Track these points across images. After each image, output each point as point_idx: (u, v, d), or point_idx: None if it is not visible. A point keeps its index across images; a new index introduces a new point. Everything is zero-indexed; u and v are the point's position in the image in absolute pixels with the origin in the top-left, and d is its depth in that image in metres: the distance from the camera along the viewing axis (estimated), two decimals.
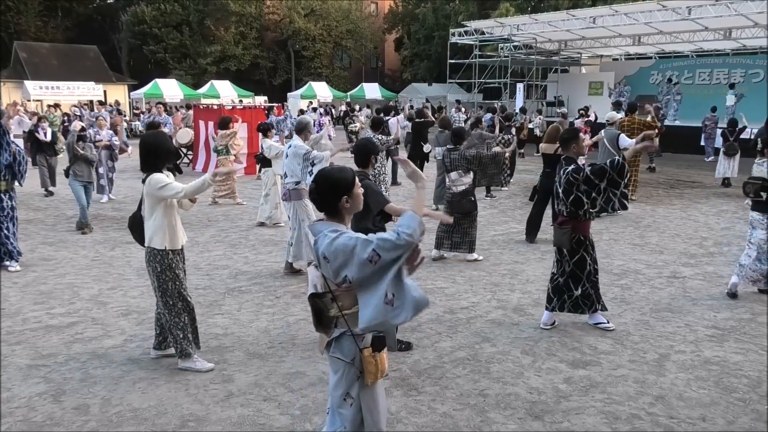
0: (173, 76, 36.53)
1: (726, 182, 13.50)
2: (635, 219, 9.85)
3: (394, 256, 2.41)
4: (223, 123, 11.18)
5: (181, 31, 39.19)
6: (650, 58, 27.70)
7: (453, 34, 26.73)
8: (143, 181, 4.31)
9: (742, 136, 13.59)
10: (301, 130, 6.74)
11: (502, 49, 27.25)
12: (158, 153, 4.31)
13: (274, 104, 24.02)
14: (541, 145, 8.45)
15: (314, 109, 25.97)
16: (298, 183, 6.62)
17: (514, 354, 4.73)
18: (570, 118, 18.07)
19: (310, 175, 6.28)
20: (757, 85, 22.39)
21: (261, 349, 4.77)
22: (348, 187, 2.61)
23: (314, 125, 15.99)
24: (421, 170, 3.69)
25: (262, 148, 9.08)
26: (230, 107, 15.31)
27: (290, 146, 6.67)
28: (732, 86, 21.07)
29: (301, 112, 22.31)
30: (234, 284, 6.49)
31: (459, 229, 7.24)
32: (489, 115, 21.10)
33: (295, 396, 4.05)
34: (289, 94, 36.28)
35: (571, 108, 24.16)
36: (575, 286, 5.14)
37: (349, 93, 38.43)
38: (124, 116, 25.27)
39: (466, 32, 26.44)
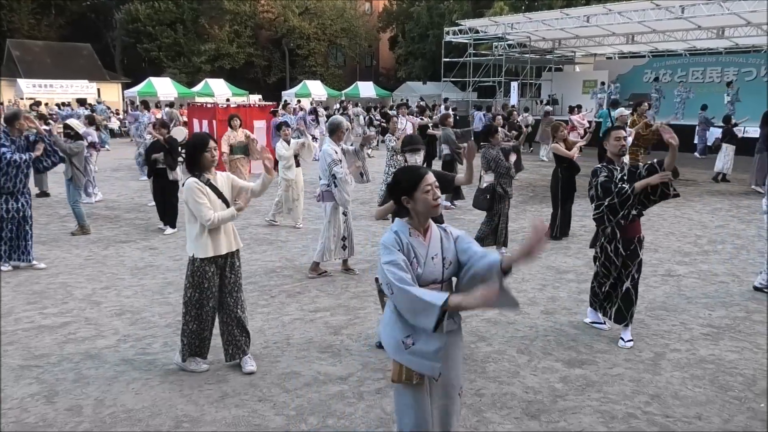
0: (167, 74, 36.38)
1: (721, 178, 13.60)
2: None
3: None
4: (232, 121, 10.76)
5: (175, 29, 39.02)
6: (644, 56, 27.78)
7: (447, 33, 26.73)
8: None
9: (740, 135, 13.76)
10: (333, 131, 6.57)
11: (496, 47, 27.26)
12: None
13: (282, 102, 23.93)
14: (552, 144, 8.45)
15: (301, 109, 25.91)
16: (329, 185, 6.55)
17: (509, 353, 4.72)
18: (554, 117, 18.24)
19: (334, 179, 6.37)
20: (749, 83, 22.48)
21: (256, 349, 4.73)
22: (408, 189, 2.68)
23: (307, 123, 16.01)
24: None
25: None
26: (224, 105, 15.22)
27: (323, 149, 6.61)
28: (729, 84, 21.19)
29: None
30: None
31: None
32: (480, 113, 21.19)
33: (290, 396, 4.02)
34: (283, 92, 36.12)
35: (564, 106, 24.27)
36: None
37: (343, 91, 38.35)
38: (108, 114, 25.16)
39: (460, 31, 26.44)
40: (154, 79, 32.00)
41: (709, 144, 17.44)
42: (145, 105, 17.54)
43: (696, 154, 18.28)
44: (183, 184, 4.26)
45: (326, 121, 9.67)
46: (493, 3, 33.95)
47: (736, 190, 12.49)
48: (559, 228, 8.42)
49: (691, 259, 7.45)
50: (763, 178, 11.99)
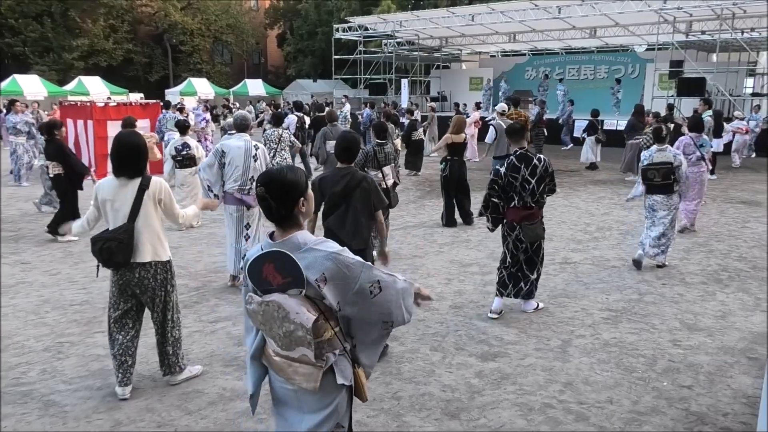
0: (35, 71, 33.33)
1: (592, 166, 14.68)
2: None
3: (389, 293, 2.27)
4: (128, 123, 9.85)
5: (41, 22, 35.80)
6: (524, 54, 29.13)
7: (337, 30, 26.57)
8: (144, 186, 3.77)
9: (605, 128, 14.87)
10: (246, 127, 6.17)
11: (386, 45, 27.47)
12: (145, 153, 3.88)
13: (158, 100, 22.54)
14: (448, 135, 8.88)
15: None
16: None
17: (423, 351, 4.62)
18: (438, 113, 18.79)
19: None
20: (621, 80, 24.19)
21: (151, 368, 4.31)
22: (304, 188, 2.28)
23: (201, 121, 15.24)
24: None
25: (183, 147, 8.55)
26: (102, 104, 14.09)
27: (257, 147, 6.05)
28: (618, 81, 22.70)
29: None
30: None
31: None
32: (367, 111, 21.24)
33: (194, 418, 3.67)
34: (167, 90, 34.35)
35: (452, 103, 24.95)
36: (531, 272, 5.35)
37: (231, 89, 37.15)
38: None
39: (350, 28, 26.36)
40: (19, 77, 29.22)
41: (576, 136, 18.59)
42: (12, 104, 15.86)
43: (562, 147, 19.39)
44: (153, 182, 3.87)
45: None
46: (381, 1, 34.19)
47: (615, 179, 13.33)
48: (445, 217, 9.00)
49: (584, 246, 7.78)
50: (629, 165, 12.99)
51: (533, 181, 5.10)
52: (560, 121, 19.07)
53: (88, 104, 13.97)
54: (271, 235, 2.28)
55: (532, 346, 4.72)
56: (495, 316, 5.31)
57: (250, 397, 2.49)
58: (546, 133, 16.59)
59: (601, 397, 3.91)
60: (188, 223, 4.19)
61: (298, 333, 2.15)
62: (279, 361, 2.28)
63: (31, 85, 28.52)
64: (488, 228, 5.50)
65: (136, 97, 29.62)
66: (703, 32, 19.78)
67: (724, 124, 14.57)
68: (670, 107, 15.03)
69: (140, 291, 3.85)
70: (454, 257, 7.27)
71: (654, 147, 6.70)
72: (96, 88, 30.27)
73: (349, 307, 2.23)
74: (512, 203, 5.21)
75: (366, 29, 25.82)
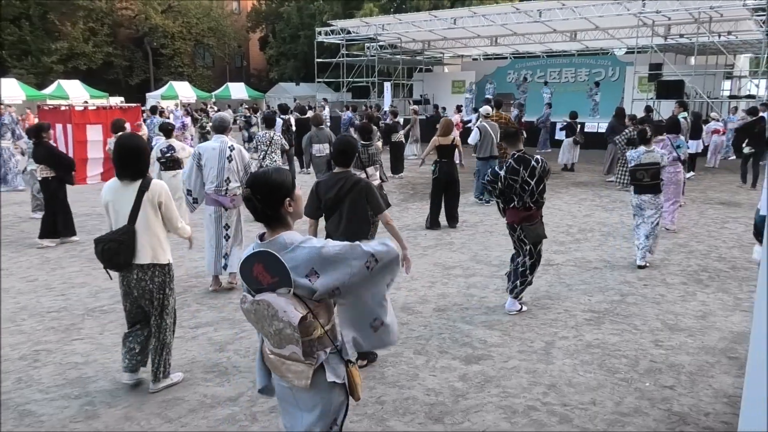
0: (12, 75, 32.83)
1: (569, 167, 14.82)
2: None
3: (387, 261, 2.30)
4: (116, 126, 9.60)
5: (19, 25, 35.29)
6: (506, 58, 29.29)
7: (319, 33, 26.53)
8: (143, 188, 3.82)
9: (586, 130, 15.03)
10: (225, 129, 6.18)
11: (368, 48, 27.47)
12: (146, 155, 3.96)
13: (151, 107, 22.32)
14: (435, 137, 8.98)
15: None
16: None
17: (407, 355, 4.60)
18: (421, 115, 18.89)
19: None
20: (599, 83, 24.42)
21: None
22: (290, 188, 2.31)
23: (179, 125, 15.11)
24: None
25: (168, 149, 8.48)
26: (81, 108, 13.91)
27: (232, 148, 6.00)
28: (597, 84, 22.85)
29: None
30: (94, 304, 5.80)
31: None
32: (348, 114, 21.24)
33: (174, 426, 3.61)
34: (148, 94, 34.04)
35: (433, 105, 25.06)
36: (531, 273, 5.52)
37: (213, 93, 36.92)
38: None
39: (332, 31, 26.34)
40: None
41: (559, 138, 18.67)
42: None
43: (538, 149, 19.43)
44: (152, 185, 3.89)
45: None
46: (363, 5, 34.22)
47: (597, 181, 13.42)
48: (429, 220, 9.08)
49: (566, 247, 7.81)
50: (611, 167, 13.12)
51: (532, 183, 5.23)
52: (538, 124, 19.14)
53: (66, 108, 13.77)
54: (261, 236, 2.31)
55: (515, 348, 4.72)
56: (514, 312, 5.45)
57: (259, 391, 2.55)
58: (525, 135, 16.64)
59: (585, 398, 3.92)
60: (185, 235, 4.15)
61: (286, 331, 2.18)
62: (273, 358, 2.33)
63: (9, 89, 28.08)
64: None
65: (117, 100, 29.31)
66: (681, 35, 20.06)
67: (703, 126, 14.79)
68: (648, 109, 15.21)
69: (138, 293, 3.89)
70: (438, 260, 7.27)
71: (642, 148, 6.87)
72: (75, 92, 29.93)
73: (350, 293, 2.27)
74: (512, 204, 5.33)
75: (348, 32, 25.82)
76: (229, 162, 5.95)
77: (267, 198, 2.25)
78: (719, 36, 19.13)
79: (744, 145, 12.46)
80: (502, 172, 5.27)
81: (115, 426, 3.61)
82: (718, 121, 16.06)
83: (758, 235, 4.01)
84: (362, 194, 4.33)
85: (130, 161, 3.82)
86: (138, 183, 3.83)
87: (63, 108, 14.41)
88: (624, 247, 7.72)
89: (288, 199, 2.29)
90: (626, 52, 25.75)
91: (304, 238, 2.27)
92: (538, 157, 5.35)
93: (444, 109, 22.57)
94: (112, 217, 3.88)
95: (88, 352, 4.67)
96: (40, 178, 8.12)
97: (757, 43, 20.52)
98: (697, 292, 6.06)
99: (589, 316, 5.41)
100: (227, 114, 6.45)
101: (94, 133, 13.17)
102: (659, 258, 7.23)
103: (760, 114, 12.95)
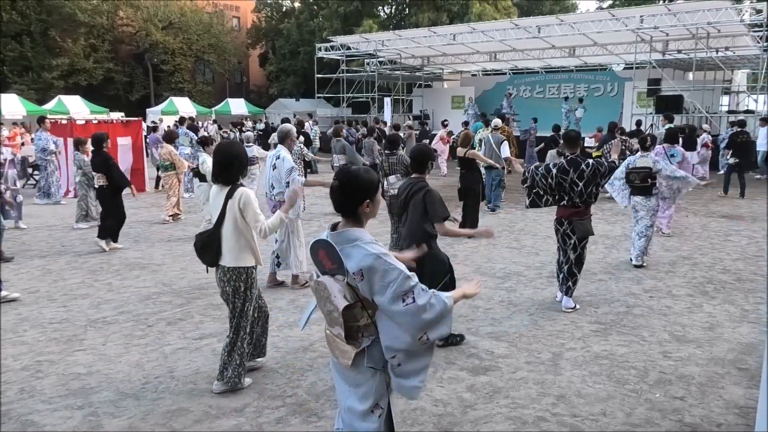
0: (13, 90, 32.92)
1: None
2: (509, 223, 10.22)
3: (427, 308, 2.34)
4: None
5: (21, 41, 35.44)
6: (505, 73, 29.47)
7: (319, 49, 26.70)
8: (229, 194, 3.95)
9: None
10: (284, 138, 6.45)
11: (368, 64, 27.63)
12: (240, 164, 4.03)
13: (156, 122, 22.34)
14: (458, 149, 9.35)
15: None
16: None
17: None
18: (415, 130, 19.07)
19: (287, 186, 6.05)
20: (598, 98, 24.57)
21: (134, 387, 4.19)
22: (373, 191, 2.46)
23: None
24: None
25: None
26: (83, 122, 13.92)
27: (277, 157, 6.25)
28: (581, 100, 22.84)
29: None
30: (97, 315, 5.74)
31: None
32: (347, 129, 21.32)
33: None
34: (148, 110, 34.11)
35: (435, 121, 25.13)
36: (579, 271, 5.87)
37: (214, 108, 37.00)
38: None
39: (332, 47, 26.51)
40: None
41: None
42: None
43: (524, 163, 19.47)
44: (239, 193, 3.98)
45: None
46: (363, 21, 34.46)
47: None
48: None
49: None
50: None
51: (581, 184, 5.56)
52: (520, 137, 19.24)
53: (67, 122, 13.79)
54: (335, 226, 2.48)
55: (523, 359, 4.67)
56: (569, 310, 5.76)
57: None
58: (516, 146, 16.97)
59: (595, 409, 3.87)
60: (269, 234, 4.06)
61: (334, 314, 2.38)
62: (328, 334, 2.55)
63: (10, 104, 28.16)
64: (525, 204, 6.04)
65: (117, 115, 29.36)
66: (679, 51, 20.21)
67: (697, 139, 14.86)
68: (638, 123, 15.87)
69: (221, 292, 4.07)
70: None
71: (638, 153, 7.43)
72: (76, 107, 29.98)
73: (381, 310, 2.36)
74: (562, 202, 5.69)
75: (348, 48, 25.99)
76: (273, 170, 6.30)
77: (351, 194, 2.41)
78: (717, 51, 19.28)
79: (729, 156, 12.77)
80: (554, 170, 5.62)
81: None
82: (708, 133, 16.14)
83: None
84: (423, 200, 4.60)
85: (222, 167, 3.97)
86: (227, 189, 3.96)
87: (63, 122, 14.41)
88: (628, 259, 7.69)
89: (368, 200, 2.43)
90: (625, 68, 25.93)
91: (369, 240, 2.39)
92: (590, 161, 5.62)
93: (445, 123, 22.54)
94: (213, 217, 4.07)
95: (91, 363, 4.62)
96: (96, 186, 8.54)
97: (754, 59, 20.70)
98: (703, 303, 6.02)
99: (596, 327, 5.36)
100: (289, 125, 6.71)
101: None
102: (664, 270, 7.21)
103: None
